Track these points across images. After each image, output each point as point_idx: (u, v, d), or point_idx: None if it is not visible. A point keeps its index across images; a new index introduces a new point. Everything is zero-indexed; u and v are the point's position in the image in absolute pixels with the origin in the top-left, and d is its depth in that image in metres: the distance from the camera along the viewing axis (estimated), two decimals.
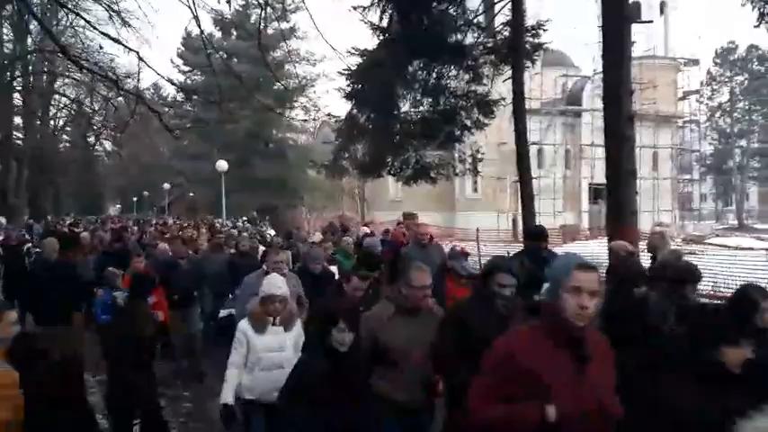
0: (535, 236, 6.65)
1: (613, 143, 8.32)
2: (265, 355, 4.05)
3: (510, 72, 11.25)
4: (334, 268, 7.28)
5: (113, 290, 6.78)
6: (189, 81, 42.63)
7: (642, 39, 35.26)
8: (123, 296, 6.43)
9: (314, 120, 37.79)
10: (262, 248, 9.78)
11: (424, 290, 3.68)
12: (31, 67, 30.09)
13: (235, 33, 41.45)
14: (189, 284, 7.72)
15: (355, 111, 13.04)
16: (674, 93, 41.62)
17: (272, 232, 19.77)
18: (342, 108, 22.75)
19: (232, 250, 9.38)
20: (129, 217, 42.03)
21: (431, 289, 3.82)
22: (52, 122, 40.55)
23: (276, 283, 4.14)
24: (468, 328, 3.39)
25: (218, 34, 40.97)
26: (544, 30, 11.97)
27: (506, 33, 11.86)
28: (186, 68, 45.12)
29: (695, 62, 43.08)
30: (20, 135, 33.55)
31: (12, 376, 3.62)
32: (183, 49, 45.35)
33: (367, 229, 13.42)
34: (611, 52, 8.29)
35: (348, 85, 12.71)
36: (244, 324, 4.14)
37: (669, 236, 6.67)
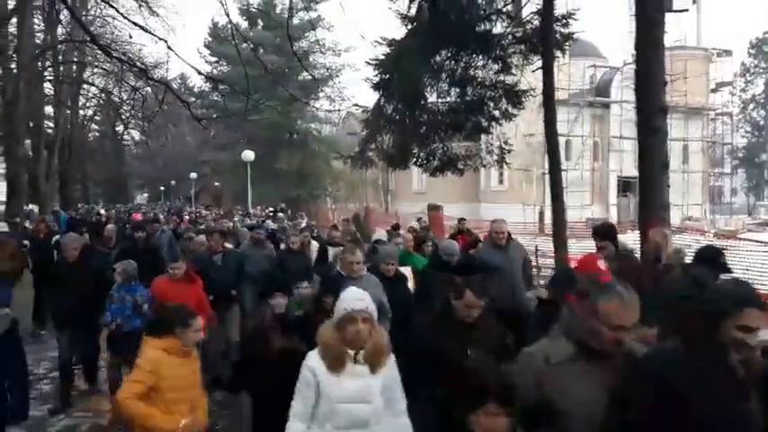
0: (602, 235, 5.67)
1: (645, 135, 8.16)
2: (342, 407, 2.87)
3: (539, 62, 11.08)
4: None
5: (129, 289, 5.99)
6: (215, 71, 42.90)
7: (673, 28, 34.56)
8: (145, 298, 5.89)
9: (339, 110, 37.84)
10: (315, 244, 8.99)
11: (624, 330, 2.37)
12: (61, 57, 30.51)
13: (261, 23, 41.58)
14: (226, 282, 7.05)
15: (383, 101, 12.96)
16: (706, 84, 40.71)
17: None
18: (367, 99, 22.75)
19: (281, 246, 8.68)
20: (153, 206, 42.50)
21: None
22: (81, 112, 41.18)
23: (357, 295, 2.98)
24: (676, 394, 2.20)
25: (244, 24, 41.14)
26: (574, 19, 11.74)
27: (536, 23, 11.65)
28: (212, 59, 45.43)
29: (728, 53, 42.09)
30: (50, 124, 34.15)
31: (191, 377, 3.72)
32: (209, 39, 45.64)
33: (417, 225, 12.42)
34: (643, 42, 8.10)
35: (375, 75, 12.63)
36: (313, 359, 2.94)
37: (671, 235, 6.44)
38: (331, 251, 7.95)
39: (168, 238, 10.66)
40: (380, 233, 9.27)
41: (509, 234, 6.68)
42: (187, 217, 19.22)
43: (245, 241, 8.98)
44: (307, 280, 7.34)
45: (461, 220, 11.40)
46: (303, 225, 13.45)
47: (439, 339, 3.34)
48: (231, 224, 13.15)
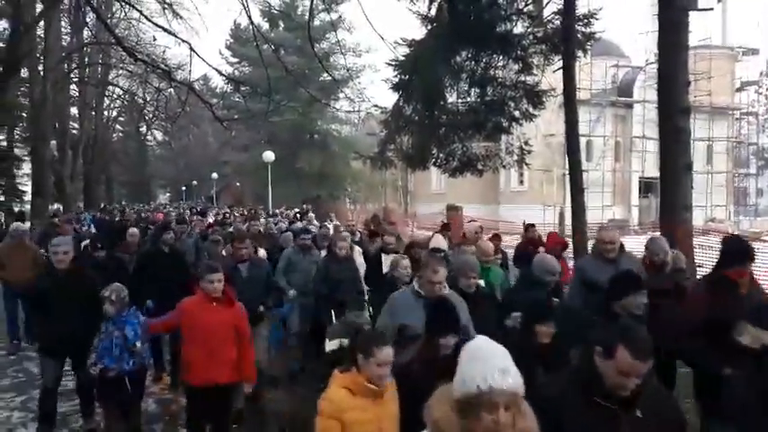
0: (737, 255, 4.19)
1: (668, 136, 8.09)
2: None
3: (560, 62, 11.04)
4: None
5: (119, 321, 4.63)
6: (237, 72, 43.27)
7: (698, 27, 34.12)
8: (139, 331, 4.64)
9: (359, 111, 37.95)
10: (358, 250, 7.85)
11: None
12: (86, 59, 31.06)
13: (282, 25, 41.85)
14: (253, 297, 5.79)
15: (402, 102, 12.99)
16: (731, 83, 40.05)
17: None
18: (387, 99, 22.81)
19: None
20: (177, 205, 42.84)
21: None
22: (106, 113, 41.85)
23: (498, 361, 1.91)
24: None
25: (265, 26, 41.43)
26: (596, 18, 11.68)
27: (557, 22, 11.60)
28: (234, 60, 45.82)
29: (754, 51, 41.38)
30: (75, 125, 34.77)
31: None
32: (231, 40, 46.05)
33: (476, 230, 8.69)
34: (666, 42, 8.04)
35: (395, 76, 12.67)
36: None
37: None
38: (386, 260, 6.79)
39: (194, 241, 9.32)
40: (439, 240, 7.18)
41: (622, 245, 5.29)
42: (211, 219, 18.44)
43: (289, 246, 7.96)
44: (356, 292, 6.58)
45: (530, 226, 9.24)
46: (342, 228, 12.11)
47: (579, 422, 2.26)
48: (260, 226, 12.02)
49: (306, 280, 6.92)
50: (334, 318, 6.04)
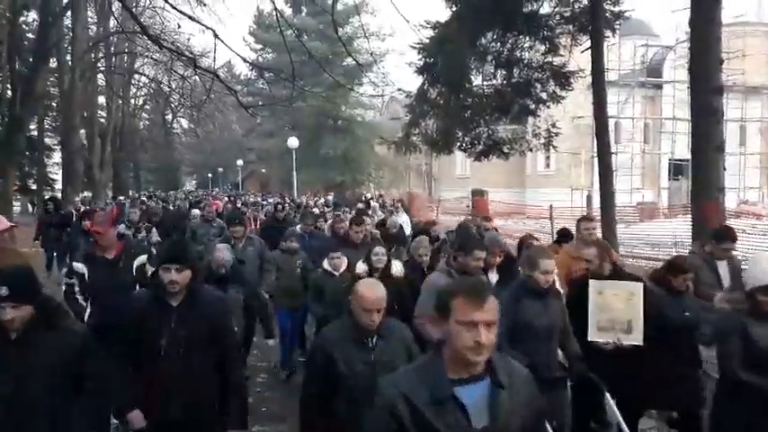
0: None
1: (699, 116, 7.90)
2: None
3: (588, 42, 10.83)
4: None
5: None
6: (260, 59, 43.36)
7: (731, 3, 33.16)
8: None
9: (383, 96, 37.77)
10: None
11: None
12: (113, 48, 31.46)
13: (305, 10, 41.76)
14: None
15: (426, 85, 12.87)
16: (767, 62, 38.96)
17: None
18: (411, 83, 22.65)
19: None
20: (218, 193, 43.15)
21: None
22: (132, 101, 42.39)
23: None
24: None
25: (288, 11, 41.39)
26: None
27: (585, 1, 11.37)
28: (257, 46, 45.90)
29: None
30: (103, 114, 35.31)
31: None
32: (254, 26, 46.11)
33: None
34: (698, 19, 7.81)
35: (419, 60, 12.56)
36: None
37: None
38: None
39: (258, 252, 6.18)
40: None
41: None
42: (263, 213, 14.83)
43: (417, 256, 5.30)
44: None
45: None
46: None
47: None
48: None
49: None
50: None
